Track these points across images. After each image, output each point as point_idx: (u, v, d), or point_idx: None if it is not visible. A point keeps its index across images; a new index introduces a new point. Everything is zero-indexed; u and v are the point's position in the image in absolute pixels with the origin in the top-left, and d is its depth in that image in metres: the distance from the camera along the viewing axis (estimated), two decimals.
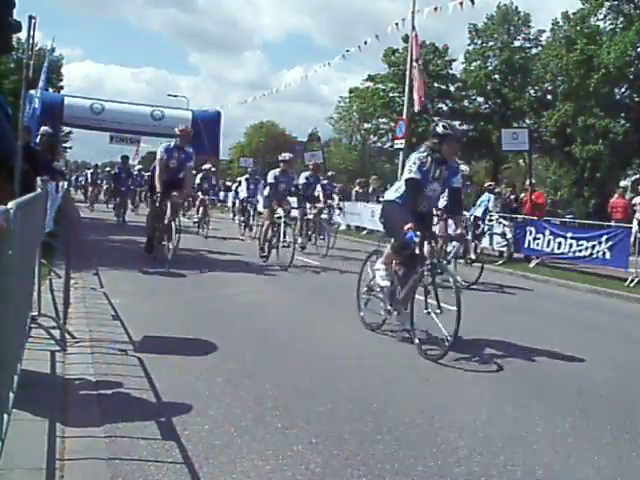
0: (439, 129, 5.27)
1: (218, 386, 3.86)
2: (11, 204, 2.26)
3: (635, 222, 12.53)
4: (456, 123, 36.98)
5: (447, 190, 5.57)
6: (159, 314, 5.88)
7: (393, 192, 5.57)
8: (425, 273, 5.07)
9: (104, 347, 4.39)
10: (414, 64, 17.46)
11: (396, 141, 19.01)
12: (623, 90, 30.25)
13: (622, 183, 15.38)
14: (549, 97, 35.05)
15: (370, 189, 20.62)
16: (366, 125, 41.74)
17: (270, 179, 10.73)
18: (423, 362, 4.79)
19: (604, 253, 11.22)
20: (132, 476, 2.60)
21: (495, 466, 2.98)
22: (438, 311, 4.86)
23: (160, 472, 2.65)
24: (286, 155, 11.14)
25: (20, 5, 3.55)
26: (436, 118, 36.49)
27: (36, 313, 4.38)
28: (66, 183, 19.89)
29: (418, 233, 5.00)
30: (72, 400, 3.35)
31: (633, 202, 13.27)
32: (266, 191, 10.97)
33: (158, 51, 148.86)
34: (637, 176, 29.11)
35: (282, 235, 10.05)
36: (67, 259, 8.30)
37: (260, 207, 13.07)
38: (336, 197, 14.82)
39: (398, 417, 3.53)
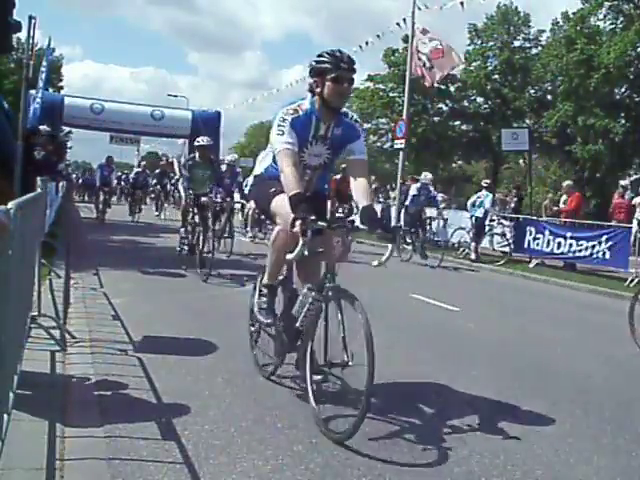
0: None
1: (218, 386, 3.86)
2: (11, 204, 2.26)
3: (635, 222, 12.53)
4: (456, 123, 37.23)
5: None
6: (159, 314, 5.88)
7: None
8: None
9: (104, 347, 4.39)
10: (423, 53, 16.85)
11: (396, 141, 18.98)
12: (623, 90, 30.21)
13: (622, 183, 15.29)
14: (549, 97, 35.02)
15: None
16: (366, 125, 41.70)
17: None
18: (422, 362, 4.78)
19: (604, 253, 11.23)
20: (132, 476, 2.60)
21: (495, 466, 2.98)
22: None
23: (160, 472, 2.64)
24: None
25: (20, 5, 3.56)
26: (436, 118, 36.54)
27: (36, 313, 4.39)
28: (66, 183, 19.71)
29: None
30: (72, 400, 3.35)
31: (633, 202, 13.26)
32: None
33: (157, 51, 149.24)
34: (637, 176, 29.09)
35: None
36: (67, 259, 8.30)
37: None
38: None
39: (398, 417, 3.53)
